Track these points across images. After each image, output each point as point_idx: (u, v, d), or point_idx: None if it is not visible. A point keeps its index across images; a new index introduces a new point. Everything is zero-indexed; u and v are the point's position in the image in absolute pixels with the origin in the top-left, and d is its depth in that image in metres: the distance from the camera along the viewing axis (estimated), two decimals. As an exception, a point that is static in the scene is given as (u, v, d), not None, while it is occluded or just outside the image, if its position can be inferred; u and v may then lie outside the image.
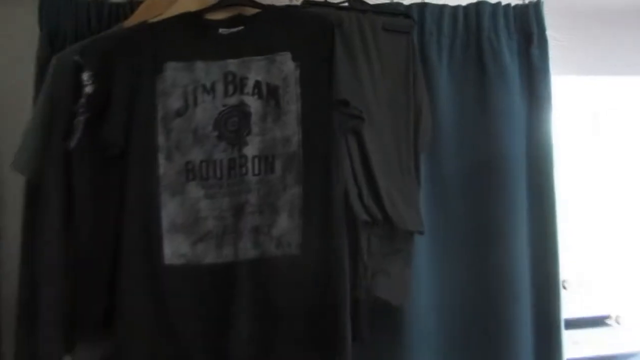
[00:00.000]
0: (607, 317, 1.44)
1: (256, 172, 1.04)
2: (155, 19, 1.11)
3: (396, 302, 1.09)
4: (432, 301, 1.21)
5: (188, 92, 1.05)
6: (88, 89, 1.04)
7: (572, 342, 1.33)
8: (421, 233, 1.12)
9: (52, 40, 1.16)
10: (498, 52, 1.22)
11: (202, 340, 1.01)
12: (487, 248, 1.21)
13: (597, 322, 1.42)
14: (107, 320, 1.02)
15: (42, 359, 1.03)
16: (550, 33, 1.24)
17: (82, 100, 1.03)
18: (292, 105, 1.05)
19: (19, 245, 1.11)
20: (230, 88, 1.06)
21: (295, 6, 1.17)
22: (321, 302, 1.01)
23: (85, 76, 1.04)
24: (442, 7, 1.23)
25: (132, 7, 1.17)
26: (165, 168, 1.03)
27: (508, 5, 1.24)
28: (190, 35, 1.08)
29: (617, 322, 1.42)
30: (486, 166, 1.21)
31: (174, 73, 1.05)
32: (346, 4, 1.18)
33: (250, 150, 1.04)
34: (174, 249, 1.02)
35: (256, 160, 1.05)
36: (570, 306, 1.33)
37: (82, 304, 1.02)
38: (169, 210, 1.03)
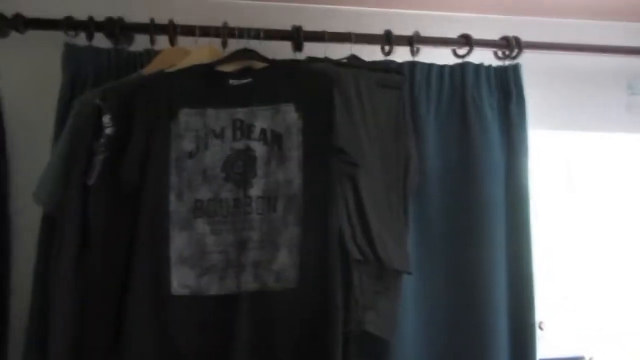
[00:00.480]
0: (582, 358, 1.52)
1: (259, 211, 1.14)
2: (171, 69, 1.22)
3: (383, 335, 1.17)
4: (417, 335, 1.29)
5: (199, 136, 1.16)
6: (108, 130, 1.13)
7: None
8: (409, 273, 1.22)
9: (73, 84, 1.25)
10: (480, 108, 1.34)
11: (203, 367, 1.08)
12: (468, 287, 1.30)
13: (571, 362, 1.50)
14: (114, 346, 1.09)
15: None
16: (528, 91, 1.37)
17: (102, 140, 1.13)
18: (294, 152, 1.16)
19: (31, 273, 1.19)
20: (238, 134, 1.17)
21: (300, 61, 1.29)
22: (316, 333, 1.09)
23: (105, 118, 1.14)
24: (430, 65, 1.35)
25: (149, 56, 1.27)
26: (175, 205, 1.13)
27: (490, 66, 1.37)
28: (203, 85, 1.19)
29: (591, 363, 1.50)
30: (468, 211, 1.32)
31: (187, 118, 1.16)
32: (344, 61, 1.31)
33: (255, 191, 1.14)
34: (181, 280, 1.11)
35: (260, 201, 1.14)
36: (546, 347, 1.43)
37: (91, 331, 1.09)
38: (177, 244, 1.12)
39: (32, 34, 1.29)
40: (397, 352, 1.23)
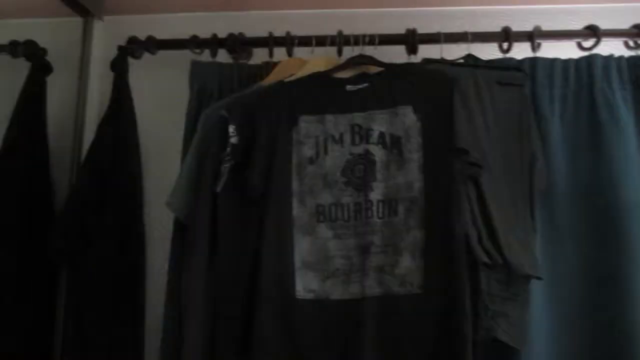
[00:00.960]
0: None
1: (380, 215, 1.14)
2: (289, 79, 1.26)
3: (515, 345, 1.11)
4: (546, 348, 1.21)
5: (319, 142, 1.18)
6: (233, 140, 1.19)
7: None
8: (539, 278, 1.15)
9: (200, 98, 1.32)
10: (611, 103, 1.24)
11: (329, 371, 1.09)
12: (604, 297, 1.21)
13: None
14: (242, 350, 1.13)
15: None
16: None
17: (228, 149, 1.18)
18: (414, 154, 1.14)
19: (164, 280, 1.26)
20: (357, 138, 1.17)
21: (415, 63, 1.28)
22: (443, 341, 1.06)
23: (231, 129, 1.19)
24: (553, 60, 1.28)
25: (267, 68, 1.33)
26: (298, 210, 1.15)
27: (620, 57, 1.27)
28: (320, 92, 1.21)
29: None
30: (602, 215, 1.22)
31: (307, 125, 1.19)
32: (461, 61, 1.28)
33: (375, 195, 1.14)
34: (305, 284, 1.13)
35: (380, 205, 1.14)
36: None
37: (222, 335, 1.13)
38: (301, 249, 1.14)
39: (162, 54, 1.40)
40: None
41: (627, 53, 1.29)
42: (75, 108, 1.46)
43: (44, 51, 1.45)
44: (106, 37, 1.47)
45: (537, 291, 1.20)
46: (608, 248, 1.22)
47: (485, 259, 1.09)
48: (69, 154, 1.44)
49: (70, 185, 1.40)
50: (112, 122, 1.37)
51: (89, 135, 1.43)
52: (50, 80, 1.44)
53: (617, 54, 1.28)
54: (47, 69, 1.44)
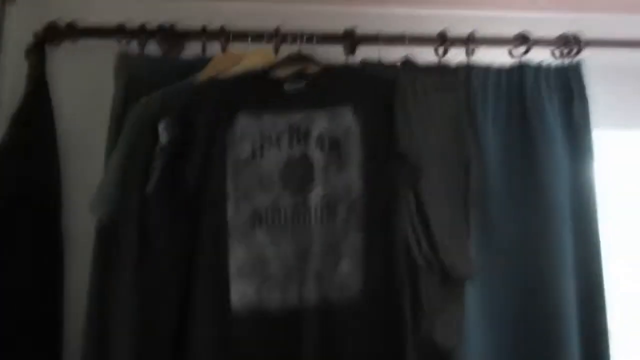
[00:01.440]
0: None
1: (319, 219, 1.11)
2: (225, 75, 1.20)
3: (451, 344, 1.13)
4: (481, 344, 1.23)
5: (256, 143, 1.13)
6: (164, 139, 1.11)
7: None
8: (472, 280, 1.17)
9: (127, 92, 1.22)
10: (541, 110, 1.28)
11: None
12: (534, 294, 1.25)
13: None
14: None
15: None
16: (591, 89, 1.31)
17: (159, 148, 1.11)
18: (354, 157, 1.12)
19: (84, 288, 1.16)
20: (295, 139, 1.14)
21: (355, 65, 1.26)
22: (385, 345, 1.05)
23: (162, 125, 1.12)
24: (487, 68, 1.31)
25: (201, 63, 1.23)
26: (233, 214, 1.10)
27: (549, 65, 1.32)
28: (257, 91, 1.16)
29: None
30: (532, 217, 1.26)
31: (243, 124, 1.13)
32: (399, 64, 1.28)
33: (313, 198, 1.11)
34: (241, 294, 1.08)
35: (319, 208, 1.11)
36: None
37: (152, 354, 1.06)
38: (236, 255, 1.09)
39: (84, 43, 1.29)
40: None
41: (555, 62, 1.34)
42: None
43: (-57, 36, 1.31)
44: (20, 22, 1.32)
45: (471, 293, 1.22)
46: (537, 250, 1.26)
47: (423, 262, 1.09)
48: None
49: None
50: (25, 119, 1.24)
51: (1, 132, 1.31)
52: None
53: (549, 61, 1.33)
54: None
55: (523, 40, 1.32)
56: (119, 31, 1.27)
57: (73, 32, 1.28)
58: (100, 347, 1.09)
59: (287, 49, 1.25)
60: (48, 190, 1.22)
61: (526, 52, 1.32)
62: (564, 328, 1.21)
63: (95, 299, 1.13)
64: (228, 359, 1.05)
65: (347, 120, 1.14)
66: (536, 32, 1.34)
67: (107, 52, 1.26)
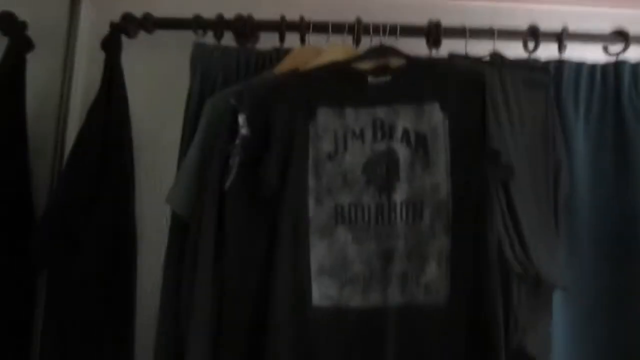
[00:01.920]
0: None
1: (404, 218, 1.05)
2: (305, 68, 1.16)
3: (540, 355, 1.05)
4: (568, 356, 1.16)
5: (338, 137, 1.08)
6: (244, 131, 1.08)
7: None
8: (564, 289, 1.09)
9: (203, 84, 1.20)
10: (638, 110, 1.20)
11: (348, 385, 1.00)
12: (626, 311, 1.17)
13: None
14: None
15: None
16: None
17: (238, 142, 1.07)
18: (441, 155, 1.06)
19: (156, 288, 1.14)
20: (379, 134, 1.08)
21: (441, 58, 1.20)
22: (473, 355, 0.99)
23: (241, 119, 1.08)
24: (580, 64, 1.23)
25: (278, 55, 1.22)
26: (315, 210, 1.05)
27: (648, 63, 1.24)
28: (340, 83, 1.11)
29: None
30: (624, 225, 1.18)
31: (325, 118, 1.09)
32: (487, 58, 1.21)
33: (399, 196, 1.05)
34: (322, 292, 1.03)
35: (404, 207, 1.05)
36: None
37: (229, 351, 1.02)
38: (318, 253, 1.04)
39: (160, 34, 1.27)
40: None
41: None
42: (59, 92, 1.31)
43: (23, 25, 1.31)
44: (97, 12, 1.33)
45: (557, 302, 1.14)
46: (631, 259, 1.17)
47: (518, 269, 1.02)
48: (51, 145, 1.29)
49: (52, 181, 1.26)
50: (101, 109, 1.22)
51: (74, 125, 1.29)
52: (30, 58, 1.29)
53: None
54: (27, 45, 1.29)
55: (620, 36, 1.24)
56: (195, 22, 1.24)
57: (149, 23, 1.26)
58: (174, 345, 1.06)
59: (367, 42, 1.20)
60: (122, 181, 1.20)
61: (624, 49, 1.23)
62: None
63: (169, 295, 1.12)
64: (307, 352, 1.00)
65: (435, 117, 1.08)
66: (630, 29, 1.26)
67: (182, 44, 1.24)
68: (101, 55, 1.25)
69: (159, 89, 1.30)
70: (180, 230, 1.12)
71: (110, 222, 1.16)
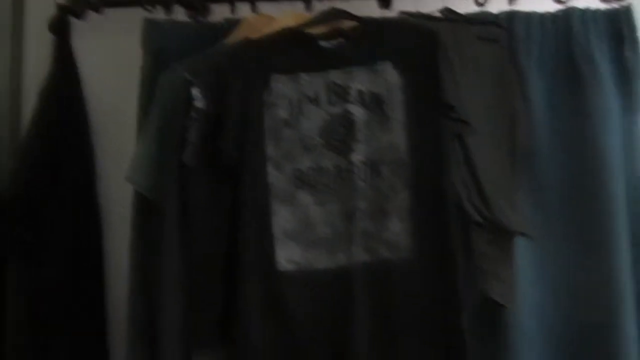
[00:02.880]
0: None
1: (364, 178, 1.06)
2: (257, 37, 1.16)
3: (507, 304, 1.09)
4: (533, 304, 1.19)
5: (293, 103, 1.08)
6: (199, 105, 1.07)
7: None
8: (526, 235, 1.12)
9: (156, 60, 1.20)
10: (590, 56, 1.22)
11: (321, 345, 1.02)
12: (587, 251, 1.20)
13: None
14: (224, 331, 1.04)
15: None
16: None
17: (194, 115, 1.07)
18: (397, 113, 1.07)
19: (124, 258, 1.15)
20: (334, 98, 1.09)
21: (393, 17, 1.21)
22: (438, 304, 1.02)
23: (195, 92, 1.08)
24: (530, 14, 1.24)
25: (230, 26, 1.21)
26: (275, 177, 1.06)
27: (597, 10, 1.25)
28: (292, 50, 1.11)
29: None
30: (583, 167, 1.21)
31: (279, 85, 1.09)
32: (439, 14, 1.22)
33: (357, 157, 1.07)
34: (287, 256, 1.04)
35: (363, 167, 1.07)
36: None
37: (198, 315, 1.04)
38: (280, 218, 1.05)
39: (109, 13, 1.25)
40: (514, 318, 1.15)
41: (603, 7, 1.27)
42: (9, 77, 1.29)
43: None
44: (42, -6, 1.31)
45: (521, 251, 1.17)
46: (590, 202, 1.20)
47: (477, 218, 1.05)
48: (6, 129, 1.27)
49: (11, 165, 1.25)
50: (54, 91, 1.22)
51: (27, 108, 1.27)
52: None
53: (593, 6, 1.25)
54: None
55: (568, -17, 1.25)
56: (143, -2, 1.23)
57: (97, 2, 1.24)
58: (146, 320, 1.08)
59: (319, 7, 1.20)
60: (82, 162, 1.20)
61: (572, -4, 1.25)
62: (618, 278, 1.16)
63: (138, 270, 1.13)
64: (277, 317, 1.02)
65: (389, 76, 1.09)
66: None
67: (133, 21, 1.23)
68: (50, 38, 1.23)
69: (113, 68, 1.29)
70: (144, 206, 1.12)
71: (73, 203, 1.15)
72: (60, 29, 1.23)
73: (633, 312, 1.19)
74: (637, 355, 1.19)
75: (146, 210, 1.11)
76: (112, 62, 1.29)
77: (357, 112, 1.08)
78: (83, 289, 1.15)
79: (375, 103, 1.08)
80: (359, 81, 1.09)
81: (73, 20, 1.25)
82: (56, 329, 1.13)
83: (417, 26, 1.14)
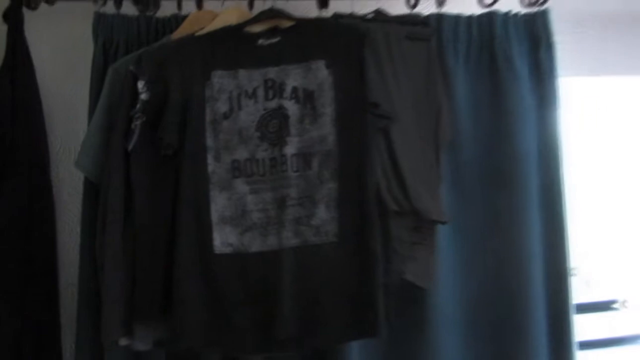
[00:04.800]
0: (615, 301, 1.54)
1: (295, 169, 1.16)
2: (200, 32, 1.23)
3: (423, 285, 1.21)
4: (454, 287, 1.32)
5: (233, 97, 1.17)
6: (143, 96, 1.15)
7: (581, 326, 1.45)
8: (444, 223, 1.23)
9: (105, 52, 1.26)
10: (509, 57, 1.33)
11: (250, 323, 1.12)
12: (503, 238, 1.32)
13: (605, 306, 1.53)
14: (163, 305, 1.14)
15: (102, 340, 1.14)
16: (558, 37, 1.36)
17: (138, 106, 1.15)
18: (327, 108, 1.16)
19: (74, 238, 1.24)
20: (270, 93, 1.18)
21: (326, 18, 1.29)
22: (358, 285, 1.13)
23: (140, 84, 1.15)
24: (458, 16, 1.34)
25: (176, 21, 1.29)
26: (213, 166, 1.15)
27: (517, 13, 1.35)
28: (233, 47, 1.19)
29: (624, 306, 1.53)
30: (500, 161, 1.32)
31: (220, 80, 1.17)
32: (371, 16, 1.31)
33: (290, 149, 1.16)
34: (223, 239, 1.14)
35: (295, 158, 1.16)
36: (580, 292, 1.46)
37: (140, 290, 1.13)
38: (218, 205, 1.15)
39: (62, 5, 1.31)
40: (433, 299, 1.27)
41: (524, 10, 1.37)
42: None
43: None
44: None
45: (444, 236, 1.29)
46: (506, 194, 1.32)
47: (395, 207, 1.15)
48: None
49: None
50: (8, 79, 1.27)
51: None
52: None
53: (516, 10, 1.36)
54: None
55: (492, -11, 1.35)
56: (94, -8, 1.29)
57: (49, -7, 1.30)
58: (93, 295, 1.18)
59: (261, 6, 1.27)
60: (34, 148, 1.27)
61: (495, 1, 1.35)
62: (528, 264, 1.30)
63: (86, 251, 1.22)
64: (212, 296, 1.12)
65: (321, 74, 1.17)
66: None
67: (84, 13, 1.29)
68: (4, 28, 1.29)
69: (65, 58, 1.36)
70: (93, 191, 1.21)
71: (25, 186, 1.23)
72: (13, 19, 1.28)
73: (542, 292, 1.33)
74: (545, 327, 1.33)
75: (94, 192, 1.20)
76: (63, 51, 1.36)
77: (291, 107, 1.17)
78: (34, 268, 1.23)
79: (307, 99, 1.17)
80: (294, 78, 1.17)
81: (26, 11, 1.30)
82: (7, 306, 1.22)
83: (348, 27, 1.23)
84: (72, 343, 1.27)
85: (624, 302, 1.53)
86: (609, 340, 1.52)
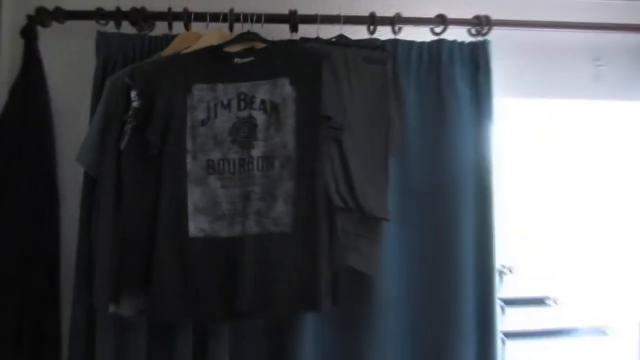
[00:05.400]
0: (547, 298, 1.73)
1: (260, 169, 1.37)
2: (186, 50, 1.45)
3: (364, 270, 1.42)
4: (399, 275, 1.52)
5: (210, 107, 1.38)
6: (135, 104, 1.37)
7: (515, 319, 1.65)
8: (387, 220, 1.44)
9: (106, 66, 1.48)
10: (453, 79, 1.53)
11: (216, 296, 1.33)
12: (441, 235, 1.52)
13: (537, 302, 1.72)
14: (144, 279, 1.35)
15: (94, 304, 1.37)
16: (500, 63, 1.55)
17: (130, 112, 1.37)
18: (289, 119, 1.38)
19: (77, 224, 1.46)
20: (242, 104, 1.39)
21: (295, 41, 1.50)
22: (305, 267, 1.34)
23: (133, 94, 1.38)
24: (411, 42, 1.55)
25: (167, 40, 1.50)
26: (191, 165, 1.36)
27: (462, 42, 1.56)
28: (212, 64, 1.41)
29: (555, 302, 1.71)
30: (441, 169, 1.53)
31: (200, 92, 1.39)
32: (334, 40, 1.52)
33: (256, 152, 1.37)
34: (197, 226, 1.35)
35: (260, 160, 1.37)
36: (516, 288, 1.66)
37: (126, 266, 1.35)
38: (194, 197, 1.36)
39: (70, 24, 1.54)
40: (379, 286, 1.47)
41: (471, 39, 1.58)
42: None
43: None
44: (15, 7, 1.58)
45: (392, 231, 1.49)
46: (445, 198, 1.53)
47: (339, 204, 1.37)
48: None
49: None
50: (24, 86, 1.50)
51: (2, 98, 1.56)
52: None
53: (463, 39, 1.56)
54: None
55: (442, 20, 1.55)
56: (97, 13, 1.51)
57: (59, 14, 1.52)
58: (87, 272, 1.39)
59: (240, 28, 1.48)
60: (43, 143, 1.50)
61: (444, 30, 1.55)
62: (461, 258, 1.51)
63: (84, 233, 1.43)
64: (185, 273, 1.33)
65: (285, 89, 1.39)
66: (456, 13, 1.57)
67: (89, 31, 1.51)
68: (21, 42, 1.51)
69: (72, 69, 1.57)
70: (91, 183, 1.43)
71: (35, 177, 1.46)
72: (29, 35, 1.51)
73: (472, 284, 1.52)
74: (472, 314, 1.52)
75: (91, 184, 1.42)
76: (71, 64, 1.57)
77: (259, 117, 1.38)
78: (40, 248, 1.47)
79: (273, 110, 1.39)
80: (263, 92, 1.39)
81: (40, 29, 1.52)
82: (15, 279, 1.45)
83: (311, 50, 1.44)
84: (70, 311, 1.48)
85: (555, 298, 1.71)
86: (540, 332, 1.69)
